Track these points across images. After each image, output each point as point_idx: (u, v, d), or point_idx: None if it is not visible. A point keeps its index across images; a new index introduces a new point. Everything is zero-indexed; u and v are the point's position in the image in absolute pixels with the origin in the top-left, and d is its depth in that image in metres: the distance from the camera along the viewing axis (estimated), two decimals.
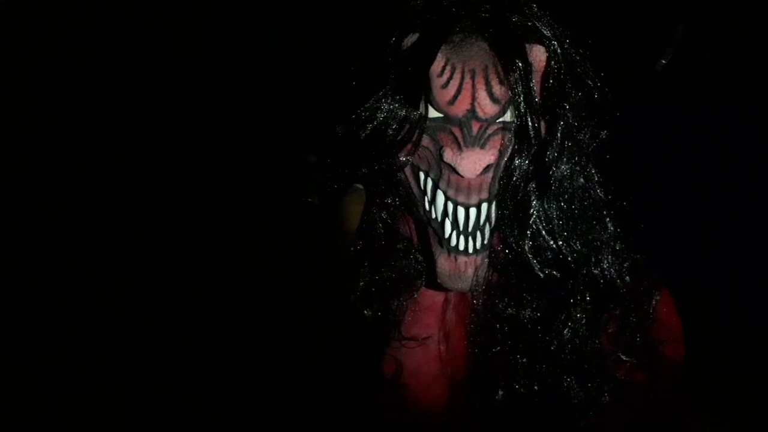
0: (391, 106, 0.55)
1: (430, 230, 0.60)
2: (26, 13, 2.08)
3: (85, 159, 2.09)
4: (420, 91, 0.55)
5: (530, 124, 0.56)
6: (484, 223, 0.58)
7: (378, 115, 0.55)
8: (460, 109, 0.56)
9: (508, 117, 0.57)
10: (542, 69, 0.58)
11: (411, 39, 0.57)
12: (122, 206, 2.06)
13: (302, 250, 0.75)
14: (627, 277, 0.62)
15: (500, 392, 0.58)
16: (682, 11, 2.00)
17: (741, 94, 1.94)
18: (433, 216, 0.59)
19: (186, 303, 1.36)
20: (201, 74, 2.11)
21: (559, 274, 0.58)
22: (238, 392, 0.77)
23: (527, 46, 0.57)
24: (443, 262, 0.59)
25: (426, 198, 0.59)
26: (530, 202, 0.57)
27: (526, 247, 0.58)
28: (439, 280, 0.60)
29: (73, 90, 2.13)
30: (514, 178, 0.57)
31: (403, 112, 0.55)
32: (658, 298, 0.64)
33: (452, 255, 0.58)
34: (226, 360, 0.84)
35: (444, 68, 0.55)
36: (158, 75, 2.15)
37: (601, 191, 0.62)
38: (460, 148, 0.55)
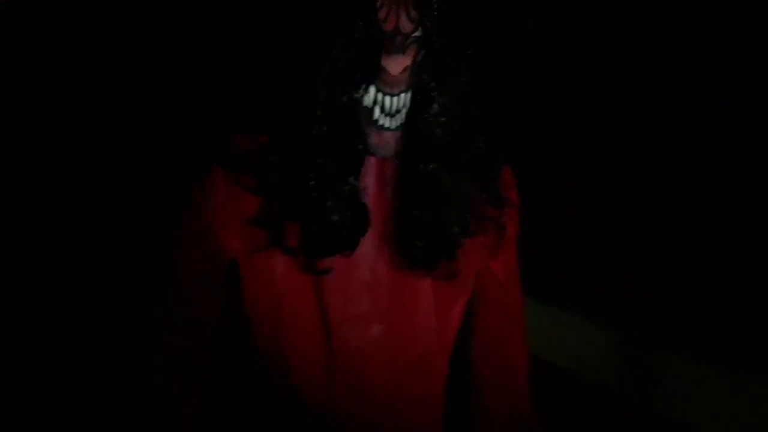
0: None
1: (363, 117, 0.88)
2: (26, 13, 2.09)
3: (85, 159, 2.10)
4: (370, 12, 0.83)
5: (431, 38, 0.85)
6: (402, 108, 0.88)
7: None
8: (390, 26, 0.83)
9: (419, 33, 0.85)
10: None
11: None
12: (122, 205, 2.06)
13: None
14: (486, 150, 0.94)
15: (413, 212, 0.89)
16: (684, 11, 2.01)
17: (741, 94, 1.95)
18: (365, 103, 0.87)
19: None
20: (201, 74, 2.12)
21: (448, 139, 0.90)
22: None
23: None
24: (373, 137, 0.89)
25: (361, 91, 0.87)
26: (431, 92, 0.88)
27: (428, 120, 0.89)
28: (371, 150, 0.89)
29: (73, 90, 2.13)
30: (422, 76, 0.87)
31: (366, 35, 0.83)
32: (501, 165, 0.98)
33: (380, 131, 0.88)
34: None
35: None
36: (158, 75, 2.16)
37: (470, 88, 0.90)
38: (389, 53, 0.84)
